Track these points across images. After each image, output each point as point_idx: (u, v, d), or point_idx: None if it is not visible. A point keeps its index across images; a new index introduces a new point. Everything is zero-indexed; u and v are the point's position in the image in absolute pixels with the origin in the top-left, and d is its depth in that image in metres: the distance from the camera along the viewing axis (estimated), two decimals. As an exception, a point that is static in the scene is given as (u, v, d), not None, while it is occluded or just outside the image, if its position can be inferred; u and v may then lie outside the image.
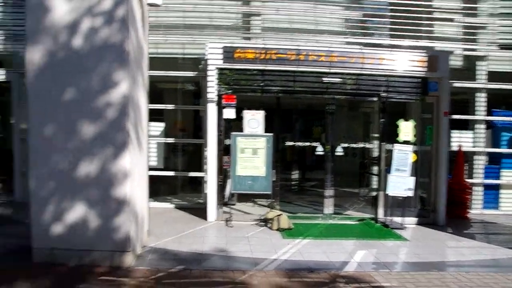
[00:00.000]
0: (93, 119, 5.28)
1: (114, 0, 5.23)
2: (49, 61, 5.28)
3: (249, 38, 9.36)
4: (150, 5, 6.55)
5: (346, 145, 8.66)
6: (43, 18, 5.25)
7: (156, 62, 7.45)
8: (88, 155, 5.29)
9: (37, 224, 5.38)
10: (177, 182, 9.87)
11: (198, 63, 9.19)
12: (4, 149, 9.93)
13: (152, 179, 7.06)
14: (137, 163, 5.82)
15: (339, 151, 8.34)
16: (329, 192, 8.27)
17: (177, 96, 10.00)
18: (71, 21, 5.24)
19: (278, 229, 7.25)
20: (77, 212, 5.33)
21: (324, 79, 8.09)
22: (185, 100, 10.22)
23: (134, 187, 5.60)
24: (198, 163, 9.45)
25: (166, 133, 9.64)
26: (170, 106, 9.59)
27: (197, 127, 10.57)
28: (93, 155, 5.29)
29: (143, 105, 6.33)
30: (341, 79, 8.11)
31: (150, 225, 6.78)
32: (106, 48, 5.27)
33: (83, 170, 5.29)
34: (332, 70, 8.06)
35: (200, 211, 8.20)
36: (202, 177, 9.08)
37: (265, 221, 7.64)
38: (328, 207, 8.28)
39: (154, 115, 8.46)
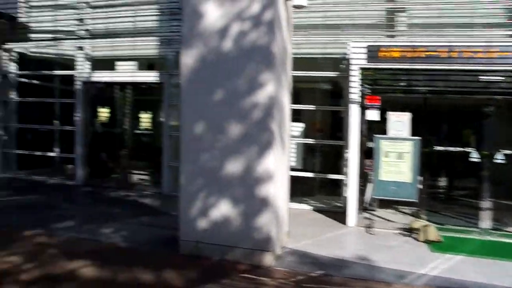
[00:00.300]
0: (240, 119, 5.44)
1: (262, 4, 5.33)
2: (201, 64, 5.60)
3: (393, 36, 8.80)
4: (295, 6, 6.54)
5: (508, 152, 7.60)
6: (197, 24, 5.58)
7: (296, 62, 7.44)
8: (234, 155, 5.46)
9: (185, 218, 5.74)
10: (314, 184, 9.75)
11: (338, 63, 8.94)
12: (153, 146, 10.91)
13: (290, 179, 7.05)
14: (280, 163, 5.85)
15: (499, 158, 7.37)
16: (486, 203, 7.34)
17: (315, 96, 9.88)
18: (221, 26, 5.49)
19: (424, 241, 6.67)
20: (221, 209, 5.55)
21: (481, 77, 7.23)
22: (323, 101, 10.05)
23: (277, 187, 5.64)
24: (335, 165, 9.22)
25: (305, 134, 9.57)
26: (311, 107, 9.50)
27: (335, 128, 10.34)
28: (239, 155, 5.44)
29: (286, 105, 6.36)
30: (502, 77, 7.17)
31: (289, 226, 6.77)
32: (253, 50, 5.39)
33: (229, 169, 5.49)
34: (491, 68, 7.14)
35: (338, 215, 7.98)
36: (340, 180, 8.83)
37: (409, 231, 7.08)
38: (485, 220, 7.33)
39: (293, 115, 8.47)
